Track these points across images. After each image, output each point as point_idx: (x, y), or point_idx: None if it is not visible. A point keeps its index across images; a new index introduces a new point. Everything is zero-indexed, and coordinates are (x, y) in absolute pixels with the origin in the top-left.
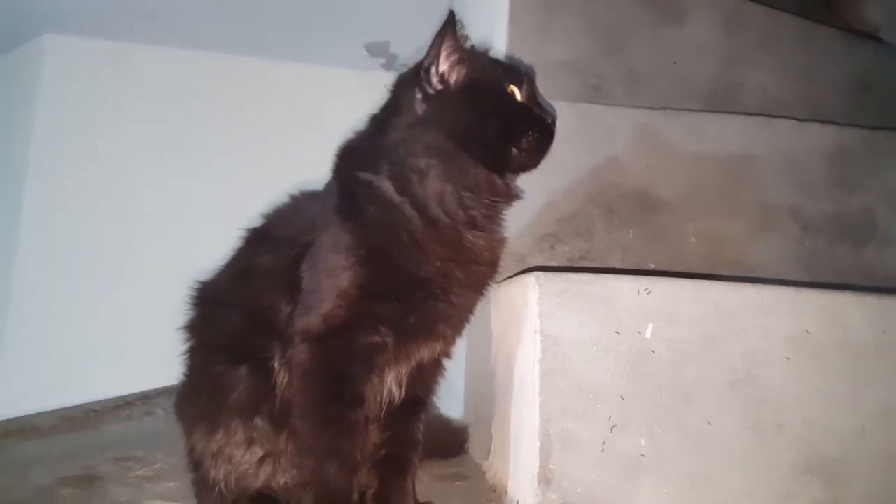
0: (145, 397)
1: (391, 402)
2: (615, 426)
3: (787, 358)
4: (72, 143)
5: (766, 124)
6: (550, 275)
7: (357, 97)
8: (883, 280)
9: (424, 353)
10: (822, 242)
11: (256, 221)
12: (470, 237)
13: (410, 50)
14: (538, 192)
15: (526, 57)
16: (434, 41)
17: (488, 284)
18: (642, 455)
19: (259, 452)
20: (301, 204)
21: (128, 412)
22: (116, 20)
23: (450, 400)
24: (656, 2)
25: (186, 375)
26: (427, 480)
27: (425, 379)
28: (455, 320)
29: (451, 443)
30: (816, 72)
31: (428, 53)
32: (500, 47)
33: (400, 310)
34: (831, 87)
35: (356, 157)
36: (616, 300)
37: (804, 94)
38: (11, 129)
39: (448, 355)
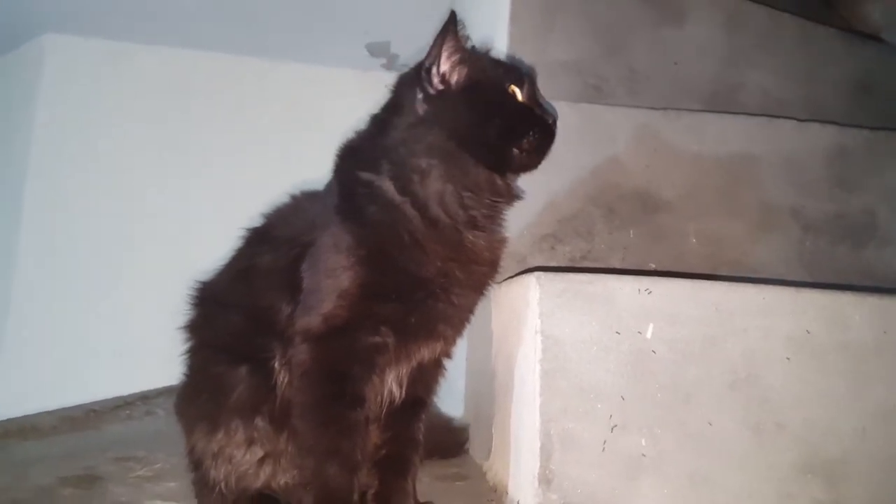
0: (146, 397)
1: (392, 402)
2: (616, 426)
3: (788, 358)
4: (72, 142)
5: (766, 124)
6: (551, 275)
7: (357, 97)
8: (883, 280)
9: (425, 353)
10: (822, 243)
11: (257, 221)
12: (471, 237)
13: (411, 50)
14: (539, 192)
15: (527, 57)
16: (435, 41)
17: (489, 284)
18: (643, 455)
19: (259, 452)
20: (301, 204)
21: (128, 412)
22: (117, 20)
23: (450, 400)
24: (657, 2)
25: (187, 375)
26: (428, 480)
27: (426, 379)
28: (455, 320)
29: (451, 443)
30: (817, 72)
31: (429, 53)
32: (500, 47)
33: (401, 310)
34: (832, 87)
35: (357, 156)
36: (617, 300)
37: (805, 94)
38: (12, 129)
39: (448, 355)
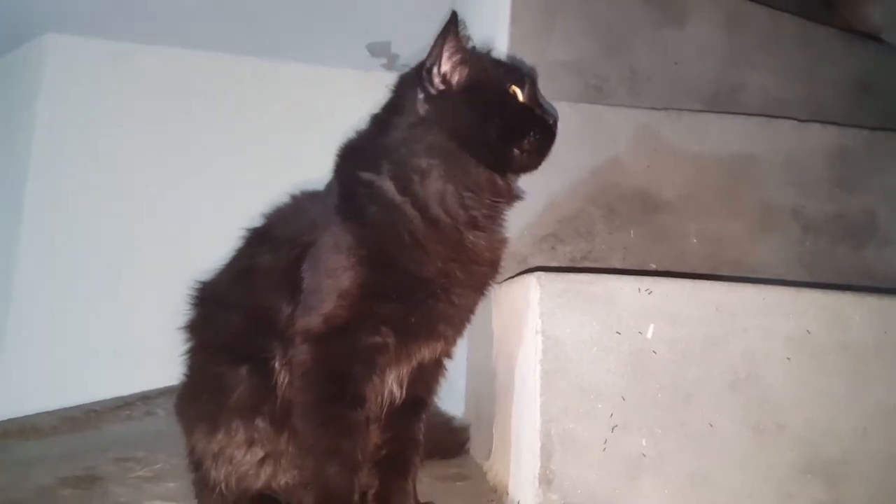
0: (146, 397)
1: (392, 402)
2: (616, 426)
3: (788, 358)
4: (73, 142)
5: (766, 125)
6: (552, 275)
7: (358, 97)
8: (883, 280)
9: (425, 353)
10: (822, 243)
11: (257, 221)
12: (471, 237)
13: (412, 50)
14: (539, 192)
15: (527, 57)
16: (436, 41)
17: (489, 285)
18: (643, 455)
19: (260, 453)
20: (302, 204)
21: (128, 412)
22: (117, 20)
23: (451, 400)
24: (657, 2)
25: (187, 376)
26: (428, 481)
27: (426, 379)
28: (456, 320)
29: (452, 443)
30: (817, 72)
31: (430, 53)
32: (501, 48)
33: (401, 310)
34: (832, 87)
35: (357, 156)
36: (617, 300)
37: (805, 94)
38: (13, 129)
39: (449, 355)
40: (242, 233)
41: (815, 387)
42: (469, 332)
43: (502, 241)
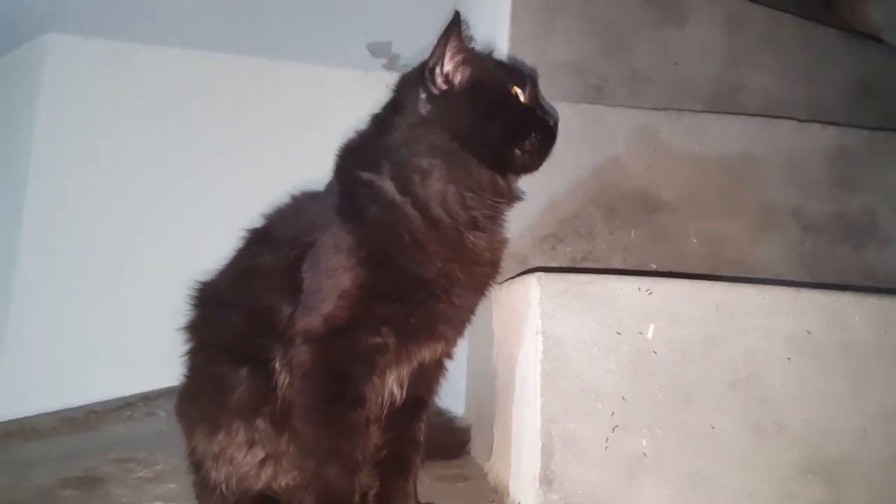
0: (146, 398)
1: (392, 402)
2: (616, 426)
3: (788, 358)
4: (73, 142)
5: (766, 125)
6: (552, 275)
7: (358, 97)
8: (884, 280)
9: (426, 353)
10: (822, 243)
11: (257, 222)
12: (471, 238)
13: (412, 50)
14: (540, 193)
15: (527, 58)
16: (439, 41)
17: (490, 285)
18: (644, 455)
19: (260, 454)
20: (302, 204)
21: (129, 413)
22: (117, 20)
23: (451, 400)
24: (658, 2)
25: (187, 376)
26: (429, 481)
27: (426, 380)
28: (456, 321)
29: (453, 443)
30: (817, 72)
31: (433, 53)
32: (501, 48)
33: (401, 310)
34: (832, 87)
35: (357, 156)
36: (617, 301)
37: (805, 94)
38: (13, 129)
39: (449, 356)
40: (243, 233)
41: (815, 387)
42: (469, 332)
43: (503, 242)
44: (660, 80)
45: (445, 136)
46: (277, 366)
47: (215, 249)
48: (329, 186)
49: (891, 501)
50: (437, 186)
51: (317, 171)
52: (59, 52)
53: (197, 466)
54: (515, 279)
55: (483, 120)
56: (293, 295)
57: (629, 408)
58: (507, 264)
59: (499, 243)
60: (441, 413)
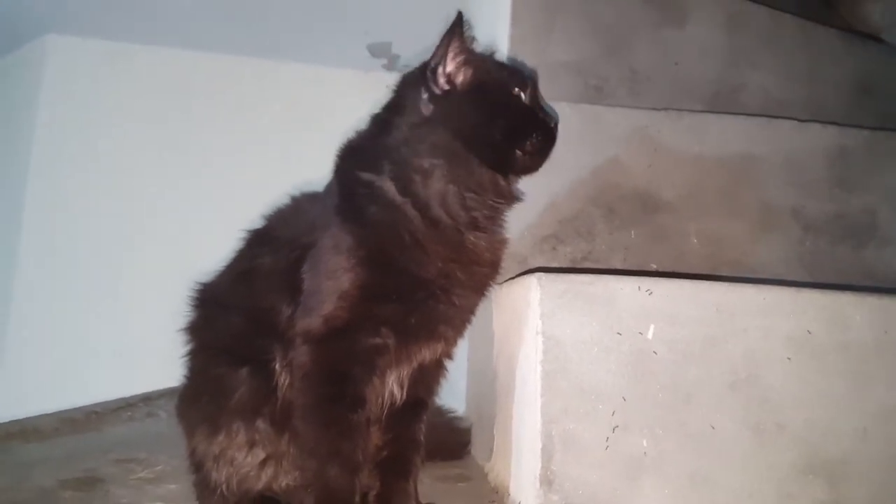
0: (147, 399)
1: (392, 403)
2: (617, 427)
3: (788, 358)
4: (73, 143)
5: (767, 125)
6: (552, 276)
7: (358, 97)
8: (884, 280)
9: (426, 354)
10: (822, 243)
11: (257, 223)
12: (472, 238)
13: (412, 51)
14: (540, 193)
15: (528, 58)
16: (442, 41)
17: (490, 285)
18: (644, 455)
19: (261, 454)
20: (302, 205)
21: (129, 414)
22: (118, 21)
23: (452, 401)
24: (657, 2)
25: (188, 377)
26: (429, 482)
27: (427, 380)
28: (456, 321)
29: (454, 444)
30: (817, 72)
31: (435, 53)
32: (501, 48)
33: (401, 311)
34: (832, 87)
35: (357, 157)
36: (617, 301)
37: (805, 94)
38: (13, 129)
39: (450, 356)
40: (243, 234)
41: (815, 387)
42: (470, 332)
43: (502, 242)
44: (660, 80)
45: (447, 135)
46: (278, 367)
47: (215, 250)
48: (329, 187)
49: (891, 501)
50: (437, 186)
51: (317, 171)
52: (59, 53)
53: (197, 467)
54: (515, 279)
55: (485, 120)
56: (293, 296)
57: (629, 408)
58: (508, 264)
59: (499, 243)
60: (442, 413)
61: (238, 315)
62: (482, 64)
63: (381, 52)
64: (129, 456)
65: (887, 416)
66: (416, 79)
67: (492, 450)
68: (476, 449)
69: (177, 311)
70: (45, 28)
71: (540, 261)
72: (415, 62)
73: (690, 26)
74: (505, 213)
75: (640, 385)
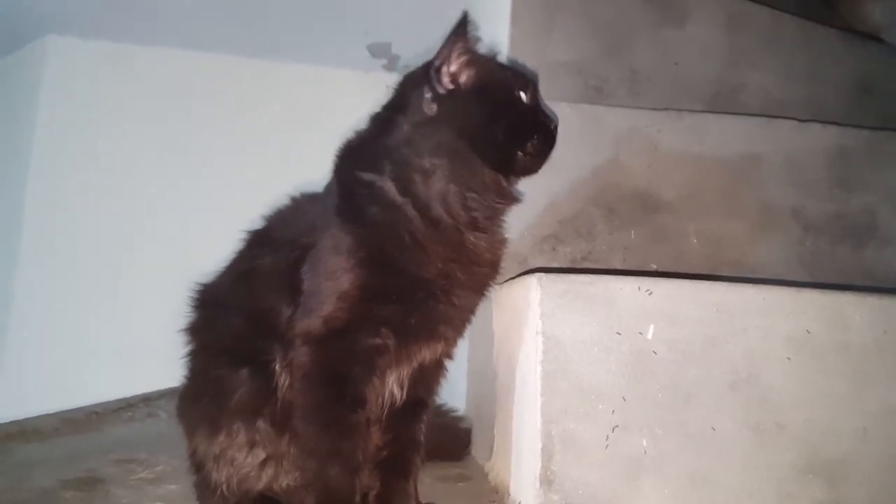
0: (147, 399)
1: (392, 403)
2: (617, 427)
3: (788, 358)
4: (73, 143)
5: (767, 125)
6: (552, 276)
7: (358, 98)
8: (884, 280)
9: (426, 354)
10: (822, 243)
11: (257, 223)
12: (472, 238)
13: (412, 51)
14: (540, 193)
15: (528, 58)
16: (447, 41)
17: (489, 285)
18: (644, 455)
19: (261, 455)
20: (301, 206)
21: (130, 414)
22: (118, 21)
23: (452, 401)
24: (658, 2)
25: (188, 378)
26: (429, 482)
27: (427, 380)
28: (456, 321)
29: (455, 445)
30: (817, 72)
31: (439, 53)
32: (501, 48)
33: (401, 311)
34: (832, 87)
35: (357, 157)
36: (617, 301)
37: (805, 94)
38: (14, 130)
39: (450, 356)
40: (243, 235)
41: (815, 387)
42: (470, 332)
43: (502, 242)
44: (660, 80)
45: (452, 134)
46: (278, 367)
47: (215, 250)
48: (328, 187)
49: (891, 501)
50: (438, 186)
51: (317, 171)
52: (59, 54)
53: (198, 467)
54: (516, 279)
55: (489, 120)
56: (293, 297)
57: (629, 408)
58: (508, 265)
59: (498, 243)
60: (443, 413)
61: (238, 316)
62: (486, 64)
63: (381, 52)
64: (129, 456)
65: (887, 416)
66: (420, 78)
67: (492, 449)
68: (476, 449)
69: (177, 311)
70: (45, 29)
71: (540, 261)
72: (415, 63)
73: (690, 26)
74: (505, 214)
75: (639, 385)
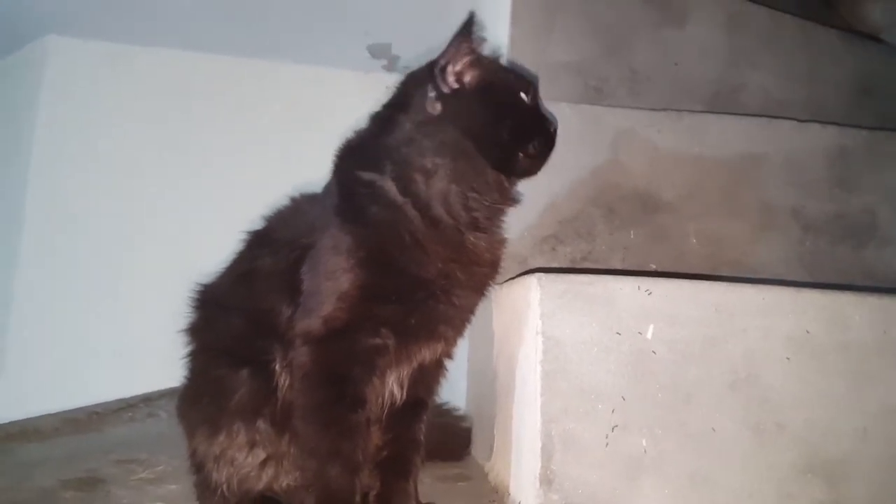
0: (148, 399)
1: (392, 403)
2: (616, 427)
3: (788, 358)
4: (73, 143)
5: (767, 125)
6: (552, 276)
7: (358, 98)
8: (883, 280)
9: (426, 354)
10: (822, 243)
11: (257, 224)
12: (472, 238)
13: (412, 52)
14: (540, 193)
15: (528, 58)
16: (452, 40)
17: (489, 285)
18: (644, 455)
19: (261, 455)
20: (301, 206)
21: (130, 414)
22: (118, 22)
23: (452, 401)
24: (657, 2)
25: (188, 378)
26: (429, 481)
27: (427, 380)
28: (456, 321)
29: (456, 445)
30: (817, 72)
31: (444, 52)
32: (501, 49)
33: (401, 311)
34: (832, 87)
35: (357, 156)
36: (617, 301)
37: (805, 95)
38: (14, 130)
39: (449, 356)
40: (243, 235)
41: (815, 387)
42: (470, 332)
43: (502, 242)
44: (660, 80)
45: (457, 134)
46: (278, 367)
47: (216, 250)
48: (328, 187)
49: (891, 501)
50: (440, 185)
51: (317, 171)
52: (59, 54)
53: (198, 467)
54: (515, 280)
55: (494, 120)
56: (293, 297)
57: (629, 408)
58: (508, 265)
59: (498, 243)
60: (443, 412)
61: (238, 316)
62: (489, 65)
63: (382, 53)
64: (129, 456)
65: (887, 416)
66: (423, 77)
67: (492, 449)
68: (476, 448)
69: (177, 311)
70: (45, 29)
71: (540, 261)
72: (415, 63)
73: (690, 26)
74: (504, 214)
75: (639, 385)
